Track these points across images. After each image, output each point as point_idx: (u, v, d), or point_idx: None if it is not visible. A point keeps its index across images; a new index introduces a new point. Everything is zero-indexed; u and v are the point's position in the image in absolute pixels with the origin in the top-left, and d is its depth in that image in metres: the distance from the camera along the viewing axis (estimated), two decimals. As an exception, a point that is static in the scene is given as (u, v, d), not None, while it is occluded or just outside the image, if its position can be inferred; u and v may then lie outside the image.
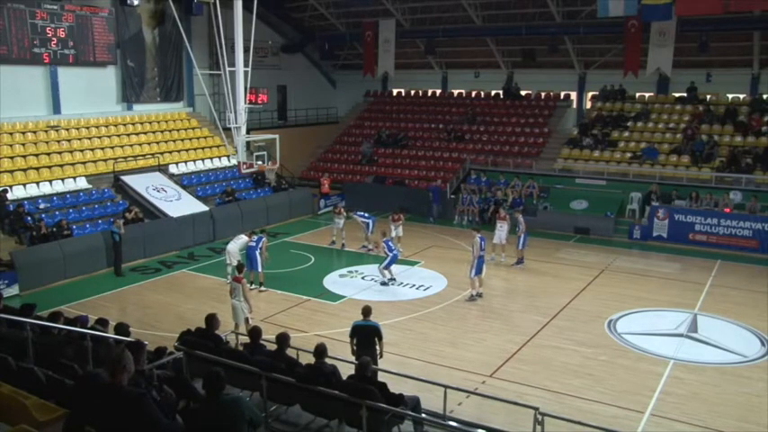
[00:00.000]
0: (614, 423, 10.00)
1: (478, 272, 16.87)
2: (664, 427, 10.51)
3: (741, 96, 28.32)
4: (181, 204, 23.31)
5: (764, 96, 27.30)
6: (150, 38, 27.45)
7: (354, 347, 10.81)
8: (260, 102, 29.16)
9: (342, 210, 22.64)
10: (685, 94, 28.80)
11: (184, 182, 25.28)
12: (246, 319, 13.69)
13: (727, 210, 22.63)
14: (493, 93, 33.76)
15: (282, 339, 9.09)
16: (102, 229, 20.32)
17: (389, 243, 18.61)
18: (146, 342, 7.17)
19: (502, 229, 20.45)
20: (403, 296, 17.41)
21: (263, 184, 27.63)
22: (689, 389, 11.99)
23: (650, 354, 13.49)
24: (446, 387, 9.25)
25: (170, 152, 26.29)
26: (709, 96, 28.46)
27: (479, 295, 16.92)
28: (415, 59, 35.28)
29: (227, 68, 24.30)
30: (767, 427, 10.50)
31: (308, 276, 19.08)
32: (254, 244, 17.79)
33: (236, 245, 18.07)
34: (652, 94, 29.92)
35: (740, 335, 14.65)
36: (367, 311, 11.08)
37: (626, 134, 28.30)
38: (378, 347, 10.73)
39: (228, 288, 14.46)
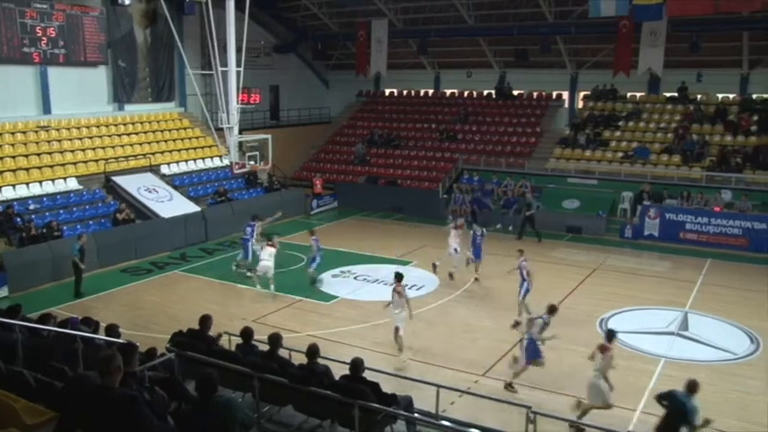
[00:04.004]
0: (606, 421, 10.01)
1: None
2: (652, 425, 10.52)
3: (731, 96, 28.50)
4: (172, 205, 23.22)
5: (754, 96, 27.53)
6: (142, 37, 27.32)
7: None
8: (252, 102, 29.15)
9: (463, 224, 19.89)
10: (676, 94, 28.96)
11: (176, 182, 25.19)
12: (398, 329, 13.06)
13: (718, 209, 22.76)
14: (485, 92, 33.81)
15: (275, 340, 9.07)
16: (94, 230, 20.25)
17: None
18: (137, 343, 7.14)
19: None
20: (396, 296, 17.39)
21: (255, 184, 27.58)
22: (680, 386, 12.01)
23: (642, 352, 13.56)
24: (438, 386, 9.25)
25: (162, 152, 26.17)
26: (699, 96, 28.62)
27: None
28: (408, 59, 35.29)
29: (220, 68, 24.30)
30: (758, 424, 10.56)
31: (300, 277, 19.04)
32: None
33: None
34: (643, 93, 30.04)
35: (730, 333, 14.74)
36: (693, 387, 8.87)
37: (617, 134, 28.42)
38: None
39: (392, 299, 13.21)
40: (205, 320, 9.72)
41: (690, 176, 24.98)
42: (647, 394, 11.60)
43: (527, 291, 15.32)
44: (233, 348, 9.93)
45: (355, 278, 19.02)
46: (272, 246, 17.51)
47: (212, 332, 9.80)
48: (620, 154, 27.12)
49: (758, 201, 22.95)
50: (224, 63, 24.75)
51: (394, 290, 13.22)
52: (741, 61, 27.83)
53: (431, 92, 35.86)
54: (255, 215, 20.00)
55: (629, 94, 30.16)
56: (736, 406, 11.26)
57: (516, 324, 12.85)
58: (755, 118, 26.53)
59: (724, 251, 21.65)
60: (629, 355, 13.47)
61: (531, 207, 23.98)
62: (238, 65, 24.69)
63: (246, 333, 9.63)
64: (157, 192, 23.70)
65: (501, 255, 21.35)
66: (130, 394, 5.03)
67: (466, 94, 34.41)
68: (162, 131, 27.45)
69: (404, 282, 13.45)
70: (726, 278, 19.12)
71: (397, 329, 13.07)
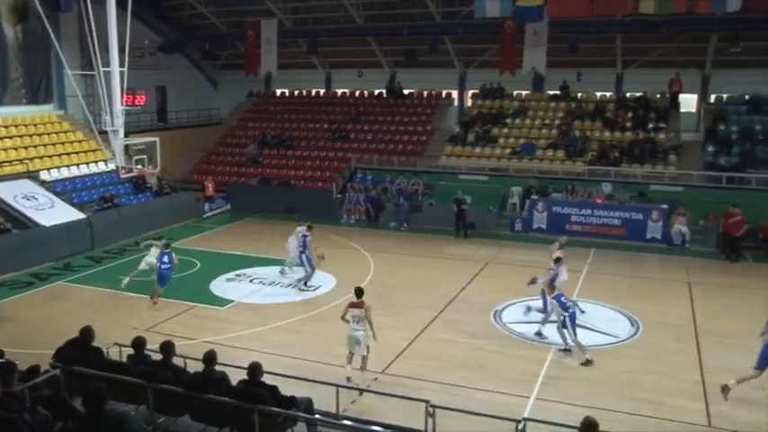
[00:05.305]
0: (504, 410, 10.29)
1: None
2: (548, 410, 10.92)
3: (608, 94, 30.18)
4: (54, 212, 21.97)
5: (627, 95, 29.35)
6: (12, 34, 25.63)
7: None
8: (138, 103, 28.07)
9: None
10: (559, 92, 30.34)
11: (58, 188, 23.83)
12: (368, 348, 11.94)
13: (599, 200, 24.04)
14: (376, 92, 34.14)
15: (167, 348, 8.76)
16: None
17: (562, 299, 13.35)
18: (17, 361, 6.70)
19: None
20: (293, 297, 17.26)
21: (143, 188, 26.56)
22: (570, 372, 12.61)
23: (534, 341, 14.07)
24: (338, 386, 9.23)
25: (40, 157, 24.73)
26: (580, 94, 30.12)
27: None
28: (299, 59, 35.04)
29: (102, 69, 23.16)
30: (641, 400, 11.21)
31: (193, 282, 18.52)
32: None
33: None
34: (528, 92, 31.25)
35: (614, 318, 15.59)
36: None
37: (505, 131, 29.43)
38: None
39: (344, 314, 12.15)
40: (87, 331, 9.24)
41: (573, 171, 26.24)
42: (539, 381, 12.08)
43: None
44: (124, 359, 9.52)
45: (251, 281, 18.69)
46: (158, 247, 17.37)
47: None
48: (508, 150, 28.10)
49: (634, 192, 24.44)
50: (106, 63, 23.63)
51: (350, 307, 11.88)
52: (615, 61, 29.55)
53: (322, 92, 35.85)
54: (309, 225, 18.63)
55: (515, 93, 31.29)
56: (620, 385, 11.92)
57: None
58: (630, 115, 28.25)
59: (606, 241, 22.86)
60: (523, 344, 13.98)
61: (464, 203, 24.29)
62: (122, 65, 23.64)
63: (138, 343, 9.23)
64: (37, 199, 22.35)
65: (428, 256, 21.65)
66: (9, 417, 4.72)
67: (357, 93, 34.61)
68: (40, 135, 25.90)
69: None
70: (608, 266, 20.24)
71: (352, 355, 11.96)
